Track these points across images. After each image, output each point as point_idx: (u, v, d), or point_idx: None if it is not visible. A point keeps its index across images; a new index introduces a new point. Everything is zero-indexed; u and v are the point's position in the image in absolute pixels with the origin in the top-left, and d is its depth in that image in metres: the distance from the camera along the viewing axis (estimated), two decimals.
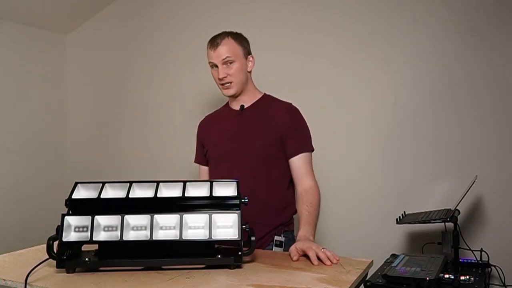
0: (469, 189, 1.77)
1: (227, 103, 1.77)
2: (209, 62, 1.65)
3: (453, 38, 2.05)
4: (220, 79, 1.62)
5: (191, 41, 2.72)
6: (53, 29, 3.04)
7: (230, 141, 1.65)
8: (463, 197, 1.76)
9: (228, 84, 1.63)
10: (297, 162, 1.62)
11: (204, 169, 1.79)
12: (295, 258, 1.30)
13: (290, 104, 1.70)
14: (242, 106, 1.68)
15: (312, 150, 1.66)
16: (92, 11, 3.02)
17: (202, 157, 1.79)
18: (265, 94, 1.74)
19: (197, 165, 1.83)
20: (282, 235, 1.62)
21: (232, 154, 1.63)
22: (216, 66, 1.62)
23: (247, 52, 1.67)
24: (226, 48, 1.60)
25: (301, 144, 1.63)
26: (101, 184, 1.27)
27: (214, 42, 1.62)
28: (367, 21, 2.23)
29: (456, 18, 2.04)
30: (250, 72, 1.69)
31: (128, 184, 1.28)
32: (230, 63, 1.60)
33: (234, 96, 1.68)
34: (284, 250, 1.59)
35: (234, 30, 1.68)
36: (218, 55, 1.60)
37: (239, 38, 1.65)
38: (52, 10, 2.84)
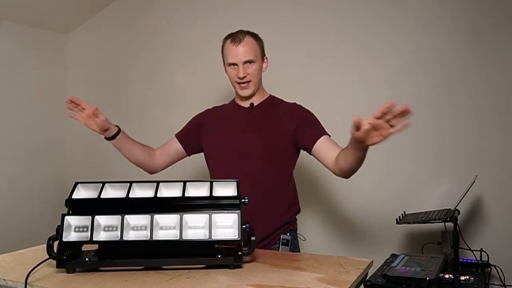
0: (469, 189, 1.77)
1: (233, 100, 1.76)
2: (228, 62, 1.63)
3: (454, 38, 2.05)
4: (240, 78, 1.60)
5: (191, 41, 2.72)
6: (53, 29, 3.04)
7: (238, 138, 1.64)
8: (463, 197, 1.76)
9: (245, 84, 1.62)
10: (322, 143, 1.57)
11: (174, 144, 1.75)
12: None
13: (295, 103, 1.71)
14: (252, 104, 1.68)
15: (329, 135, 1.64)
16: (92, 11, 3.02)
17: (185, 137, 1.76)
18: (270, 95, 1.75)
19: (172, 138, 1.79)
20: (288, 233, 1.63)
21: (240, 151, 1.62)
22: (235, 65, 1.60)
23: (263, 53, 1.67)
24: (249, 48, 1.59)
25: (320, 130, 1.62)
26: (101, 184, 1.27)
27: (236, 39, 1.60)
28: (368, 21, 2.23)
29: (457, 18, 2.04)
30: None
31: (128, 184, 1.28)
32: (250, 63, 1.60)
33: (250, 97, 1.67)
34: (289, 250, 1.60)
35: (242, 29, 1.68)
36: (241, 54, 1.59)
37: (258, 39, 1.66)
38: (52, 10, 2.84)
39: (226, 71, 1.67)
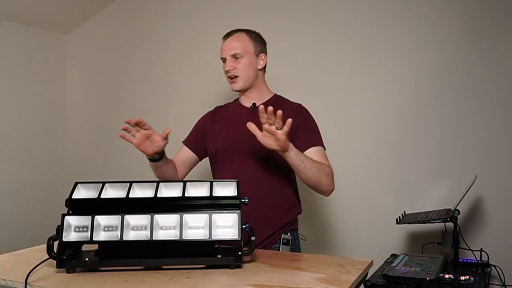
0: (469, 189, 1.77)
1: (237, 99, 1.77)
2: (220, 59, 1.67)
3: (457, 38, 2.04)
4: (227, 72, 1.64)
5: (191, 40, 2.72)
6: (53, 29, 3.04)
7: (240, 139, 1.64)
8: (463, 197, 1.76)
9: (234, 78, 1.64)
10: (310, 154, 1.56)
11: (186, 151, 1.76)
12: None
13: (300, 104, 1.70)
14: (254, 104, 1.68)
15: (324, 147, 1.64)
16: (92, 11, 3.02)
17: (193, 142, 1.76)
18: (275, 94, 1.74)
19: (182, 146, 1.79)
20: (288, 233, 1.63)
21: (242, 151, 1.62)
22: (225, 60, 1.65)
23: (259, 50, 1.68)
24: (236, 43, 1.63)
25: (312, 139, 1.61)
26: (101, 184, 1.27)
27: (226, 35, 1.67)
28: (370, 21, 2.23)
29: (460, 18, 2.04)
30: (261, 70, 1.70)
31: (128, 184, 1.28)
32: (237, 58, 1.63)
33: (242, 91, 1.68)
34: (290, 249, 1.60)
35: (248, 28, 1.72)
36: (227, 48, 1.64)
37: (254, 36, 1.68)
38: (52, 10, 2.84)
39: None
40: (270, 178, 1.61)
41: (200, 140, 1.75)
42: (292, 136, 1.60)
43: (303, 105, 1.71)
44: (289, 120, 1.32)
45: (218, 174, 1.70)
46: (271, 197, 1.60)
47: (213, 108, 1.82)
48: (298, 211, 1.70)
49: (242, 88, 1.66)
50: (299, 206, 1.71)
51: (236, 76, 1.63)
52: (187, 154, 1.76)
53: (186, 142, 1.79)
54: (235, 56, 1.62)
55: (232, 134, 1.67)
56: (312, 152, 1.57)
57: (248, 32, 1.68)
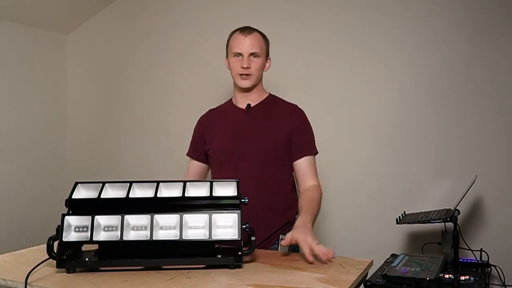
0: (469, 189, 1.77)
1: (231, 100, 1.76)
2: (233, 52, 1.63)
3: (457, 38, 2.05)
4: (244, 68, 1.60)
5: (191, 41, 2.72)
6: (53, 29, 3.04)
7: (236, 140, 1.63)
8: (463, 197, 1.76)
9: (247, 76, 1.62)
10: (301, 165, 1.62)
11: (195, 164, 1.76)
12: (284, 243, 1.33)
13: (296, 106, 1.70)
14: (248, 105, 1.67)
15: (316, 153, 1.67)
16: (92, 11, 3.02)
17: (197, 152, 1.76)
18: (270, 94, 1.74)
19: (189, 161, 1.79)
20: (287, 234, 1.63)
21: (238, 153, 1.62)
22: (240, 55, 1.61)
23: (267, 53, 1.69)
24: (256, 42, 1.62)
25: (306, 147, 1.63)
26: (101, 184, 1.27)
27: (245, 30, 1.63)
28: (370, 21, 2.23)
29: (460, 18, 2.04)
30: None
31: (128, 184, 1.27)
32: (255, 56, 1.62)
33: (247, 90, 1.67)
34: (289, 249, 1.60)
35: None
36: (249, 45, 1.61)
37: (265, 38, 1.69)
38: (52, 10, 2.84)
39: (228, 64, 1.67)
40: (268, 178, 1.61)
41: (201, 147, 1.75)
42: (288, 139, 1.61)
43: (299, 106, 1.71)
44: (331, 255, 1.27)
45: (217, 175, 1.69)
46: (270, 197, 1.60)
47: (206, 112, 1.82)
48: (296, 211, 1.70)
49: (251, 86, 1.65)
50: (297, 206, 1.71)
51: (250, 74, 1.62)
52: (197, 166, 1.76)
53: (190, 154, 1.79)
54: (253, 55, 1.61)
55: (228, 135, 1.66)
56: (304, 162, 1.62)
57: (260, 33, 1.67)
